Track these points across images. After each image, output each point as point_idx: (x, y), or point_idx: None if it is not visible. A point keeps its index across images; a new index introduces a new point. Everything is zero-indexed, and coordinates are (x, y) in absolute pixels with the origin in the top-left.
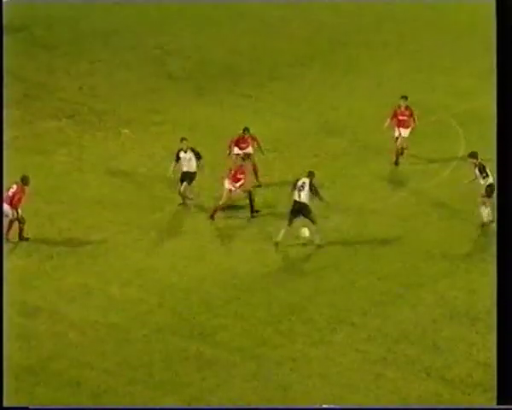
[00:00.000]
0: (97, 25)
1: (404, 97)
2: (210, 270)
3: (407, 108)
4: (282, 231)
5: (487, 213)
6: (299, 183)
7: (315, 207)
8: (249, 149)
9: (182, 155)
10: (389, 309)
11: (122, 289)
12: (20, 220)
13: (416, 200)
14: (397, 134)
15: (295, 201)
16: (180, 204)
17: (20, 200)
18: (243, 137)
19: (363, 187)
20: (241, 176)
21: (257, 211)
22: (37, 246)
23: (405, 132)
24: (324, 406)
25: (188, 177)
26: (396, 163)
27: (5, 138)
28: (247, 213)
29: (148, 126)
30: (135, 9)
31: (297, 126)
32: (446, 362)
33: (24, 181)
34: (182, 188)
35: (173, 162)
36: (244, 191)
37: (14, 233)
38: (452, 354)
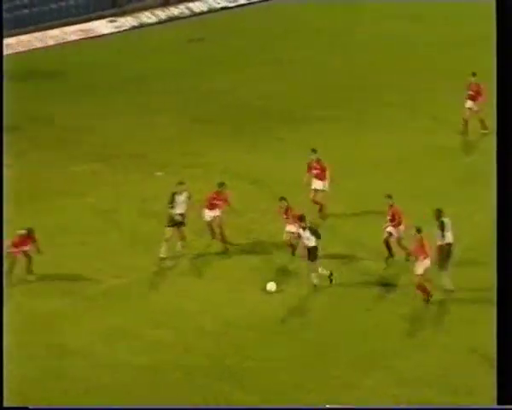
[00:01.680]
0: (147, 66)
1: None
2: (241, 313)
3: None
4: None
5: None
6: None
7: None
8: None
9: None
10: None
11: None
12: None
13: None
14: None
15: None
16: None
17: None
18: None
19: None
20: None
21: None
22: (69, 287)
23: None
24: (326, 406)
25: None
26: None
27: (37, 180)
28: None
29: (182, 169)
30: (182, 50)
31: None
32: None
33: (29, 233)
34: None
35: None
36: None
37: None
38: None
